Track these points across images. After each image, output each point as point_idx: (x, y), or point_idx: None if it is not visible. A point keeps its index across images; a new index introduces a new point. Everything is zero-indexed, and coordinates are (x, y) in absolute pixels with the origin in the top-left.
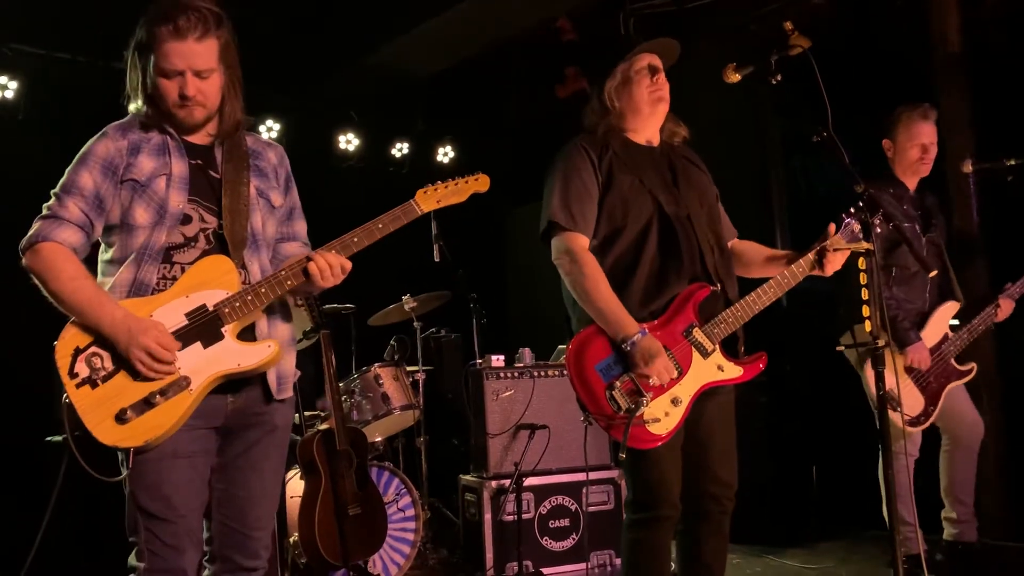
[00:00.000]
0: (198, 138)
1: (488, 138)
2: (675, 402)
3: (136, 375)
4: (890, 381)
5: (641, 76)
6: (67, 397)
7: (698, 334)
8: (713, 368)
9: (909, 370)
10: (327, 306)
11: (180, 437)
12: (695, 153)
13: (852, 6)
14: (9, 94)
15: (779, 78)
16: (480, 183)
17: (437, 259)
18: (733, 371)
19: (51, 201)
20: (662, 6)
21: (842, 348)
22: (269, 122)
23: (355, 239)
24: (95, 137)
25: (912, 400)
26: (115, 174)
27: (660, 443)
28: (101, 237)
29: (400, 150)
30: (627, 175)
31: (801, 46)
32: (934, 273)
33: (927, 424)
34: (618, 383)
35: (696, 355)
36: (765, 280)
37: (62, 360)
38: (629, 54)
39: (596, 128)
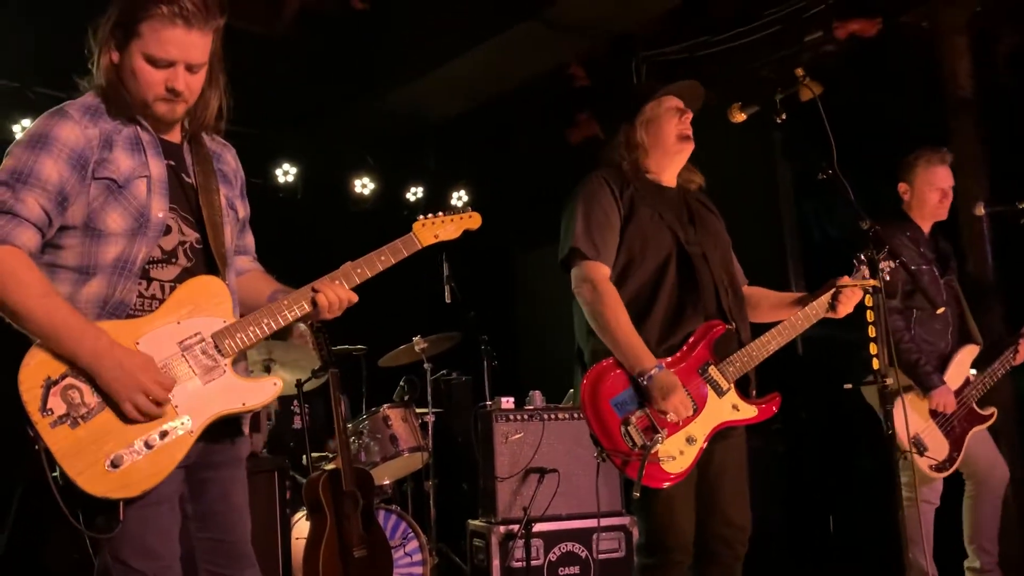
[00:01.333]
0: (170, 135)
1: (502, 182)
2: (690, 440)
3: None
4: (919, 426)
5: (670, 114)
6: (39, 438)
7: (714, 372)
8: (728, 407)
9: (933, 414)
10: (337, 347)
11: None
12: (709, 200)
13: (864, 51)
14: None
15: (784, 117)
16: (472, 220)
17: (448, 300)
18: (748, 411)
19: None
20: (674, 53)
21: (849, 386)
22: (285, 165)
23: (358, 270)
24: (54, 116)
25: (937, 445)
26: (84, 169)
27: (674, 482)
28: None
29: (415, 194)
30: (647, 208)
31: (812, 92)
32: (942, 310)
33: (951, 470)
34: (633, 419)
35: (711, 393)
36: (775, 324)
37: (30, 393)
38: (655, 93)
39: (616, 163)
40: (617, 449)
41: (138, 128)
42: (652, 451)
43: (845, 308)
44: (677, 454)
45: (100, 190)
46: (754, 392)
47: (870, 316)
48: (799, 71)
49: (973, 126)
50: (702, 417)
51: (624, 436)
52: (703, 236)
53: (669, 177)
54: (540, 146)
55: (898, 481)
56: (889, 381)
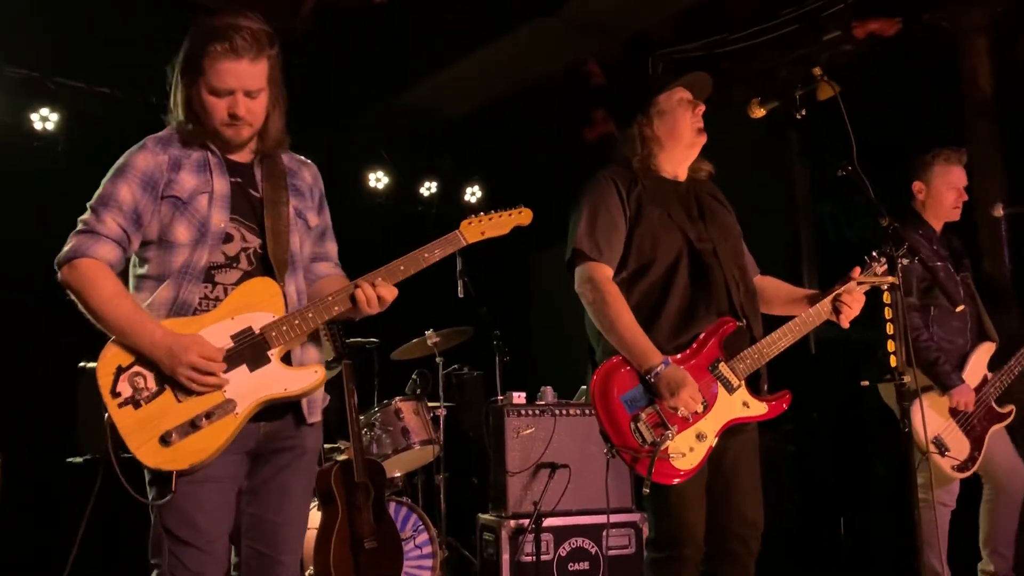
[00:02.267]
0: (239, 156)
1: (516, 179)
2: (700, 437)
3: (181, 396)
4: (939, 426)
5: (684, 108)
6: (109, 417)
7: (724, 369)
8: (738, 404)
9: (953, 413)
10: (351, 339)
11: (213, 462)
12: (719, 190)
13: (882, 51)
14: (50, 125)
15: (804, 113)
16: (523, 216)
17: (461, 295)
18: (758, 408)
19: (87, 215)
20: (691, 51)
21: (867, 383)
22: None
23: (402, 267)
24: (133, 149)
25: (958, 445)
26: (155, 189)
27: (684, 478)
28: (135, 252)
29: (429, 189)
30: (656, 208)
31: (831, 90)
32: (961, 308)
33: (973, 470)
34: (643, 415)
35: (721, 390)
36: (788, 318)
37: (104, 379)
38: (667, 86)
39: (628, 159)
40: (627, 445)
41: (208, 152)
42: (662, 448)
43: (848, 314)
44: (687, 451)
45: (168, 207)
46: (765, 387)
47: (888, 313)
48: (817, 70)
49: (992, 127)
50: (712, 414)
51: (634, 432)
52: (713, 230)
53: (680, 170)
54: (556, 143)
55: (914, 480)
56: (907, 379)
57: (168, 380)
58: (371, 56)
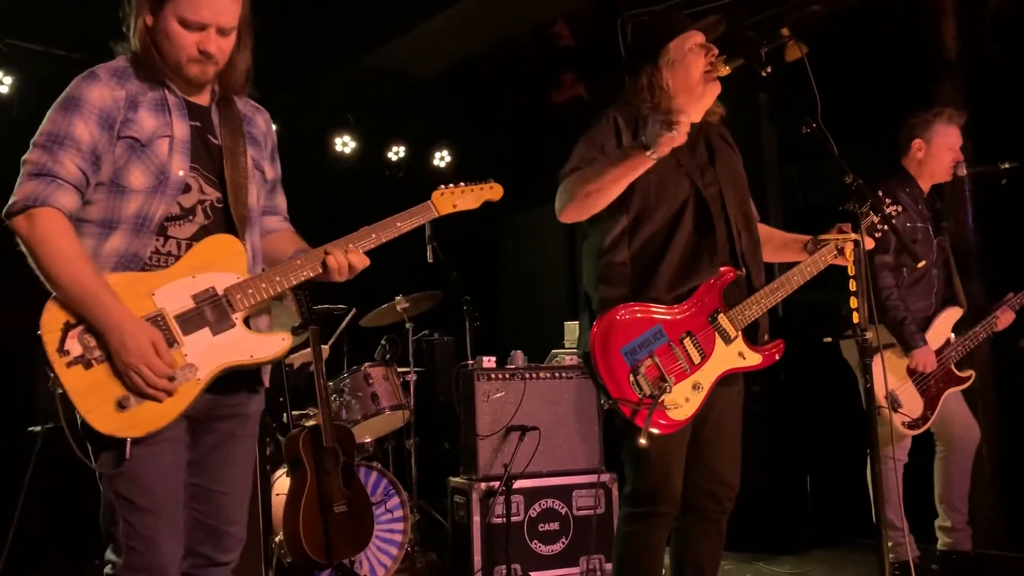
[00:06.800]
0: (198, 98)
1: (485, 142)
2: (696, 388)
3: None
4: (894, 383)
5: (695, 54)
6: (56, 377)
7: (723, 320)
8: (734, 355)
9: (911, 373)
10: (319, 306)
11: None
12: (728, 132)
13: (849, 13)
14: (4, 89)
15: (769, 70)
16: (494, 192)
17: (431, 260)
18: (753, 358)
19: (36, 154)
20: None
21: (829, 339)
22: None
23: (374, 235)
24: (84, 79)
25: (912, 403)
26: (112, 128)
27: (678, 428)
28: None
29: (396, 153)
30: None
31: (799, 52)
32: (922, 264)
33: (923, 428)
34: (643, 368)
35: (719, 341)
36: (781, 264)
37: (50, 335)
38: (678, 32)
39: (636, 106)
40: (625, 397)
41: (165, 91)
42: (660, 399)
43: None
44: (683, 401)
45: (124, 149)
46: (767, 337)
47: (851, 270)
48: (785, 31)
49: (957, 86)
50: (709, 364)
51: (633, 385)
52: (722, 175)
53: (694, 118)
54: (525, 105)
55: (875, 436)
56: (869, 335)
57: None
58: (336, 15)
